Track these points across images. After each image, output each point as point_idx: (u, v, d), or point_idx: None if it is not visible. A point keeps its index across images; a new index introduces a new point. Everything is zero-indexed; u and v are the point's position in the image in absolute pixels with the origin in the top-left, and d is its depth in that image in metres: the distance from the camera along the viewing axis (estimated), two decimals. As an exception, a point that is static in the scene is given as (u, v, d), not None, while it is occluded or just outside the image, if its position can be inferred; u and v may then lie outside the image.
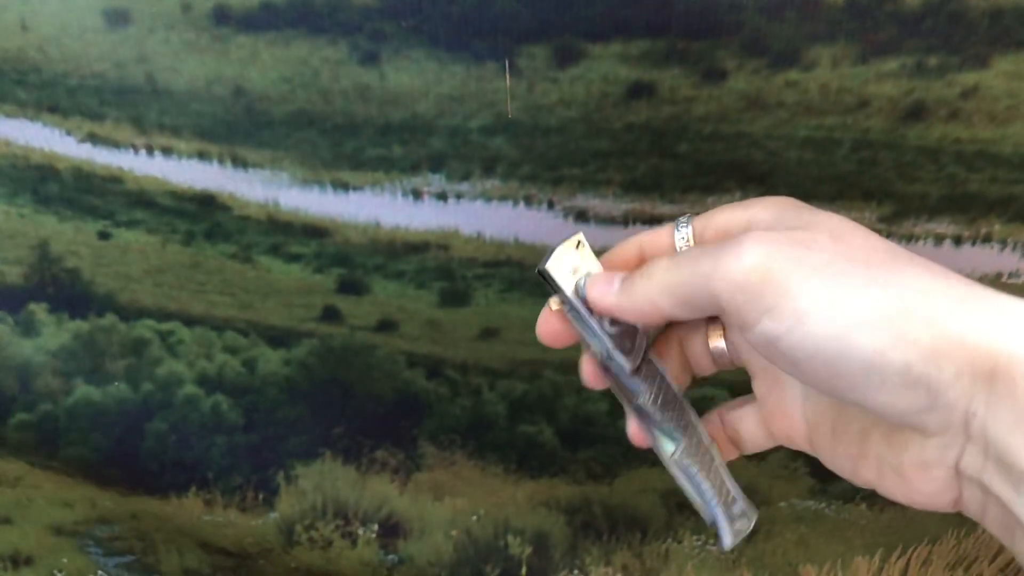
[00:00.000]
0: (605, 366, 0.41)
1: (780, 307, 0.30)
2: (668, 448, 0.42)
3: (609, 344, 0.40)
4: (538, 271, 0.41)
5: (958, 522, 0.78)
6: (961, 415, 0.29)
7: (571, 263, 0.41)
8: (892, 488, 0.34)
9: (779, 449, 0.75)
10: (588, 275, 0.41)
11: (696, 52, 0.53)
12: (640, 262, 0.41)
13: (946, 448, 0.30)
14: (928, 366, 0.28)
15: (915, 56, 0.53)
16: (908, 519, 0.77)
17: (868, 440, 0.35)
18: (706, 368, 0.44)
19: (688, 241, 0.40)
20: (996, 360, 0.28)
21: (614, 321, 0.41)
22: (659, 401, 0.42)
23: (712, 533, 0.78)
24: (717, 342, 0.42)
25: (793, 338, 0.30)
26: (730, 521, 0.42)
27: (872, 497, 0.76)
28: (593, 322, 0.40)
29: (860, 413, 0.35)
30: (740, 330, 0.33)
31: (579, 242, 0.41)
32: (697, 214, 0.41)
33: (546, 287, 0.41)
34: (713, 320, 0.42)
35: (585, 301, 0.40)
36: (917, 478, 0.32)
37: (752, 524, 0.42)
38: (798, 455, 0.74)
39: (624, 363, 0.41)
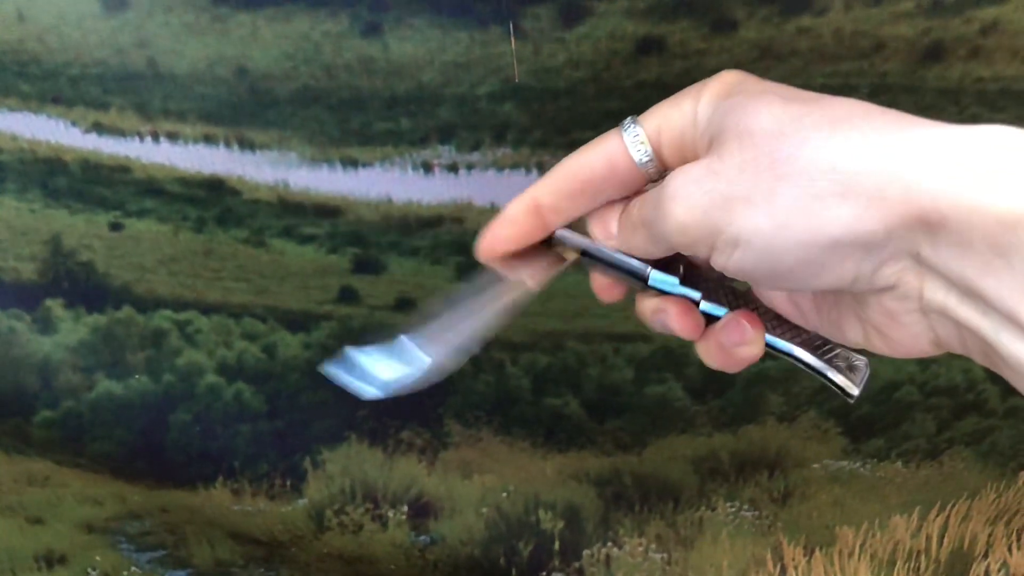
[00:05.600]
0: (659, 291, 0.42)
1: (717, 242, 0.34)
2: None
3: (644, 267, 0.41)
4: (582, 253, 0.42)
5: (997, 475, 0.77)
6: (910, 262, 0.31)
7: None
8: (877, 344, 0.37)
9: (810, 410, 0.75)
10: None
11: (704, 2, 0.52)
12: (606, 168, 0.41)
13: (905, 297, 0.33)
14: (860, 233, 0.31)
15: (931, -7, 0.52)
16: (945, 475, 0.76)
17: (842, 303, 0.37)
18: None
19: (642, 141, 0.38)
20: (921, 205, 0.29)
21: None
22: (722, 298, 0.41)
23: (747, 498, 0.78)
24: None
25: (737, 262, 0.34)
26: (841, 370, 0.41)
27: (907, 454, 0.75)
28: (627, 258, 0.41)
29: None
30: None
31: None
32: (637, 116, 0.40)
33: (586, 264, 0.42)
34: None
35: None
36: (892, 329, 0.35)
37: (863, 365, 0.41)
38: (830, 415, 0.73)
39: (667, 277, 0.41)
